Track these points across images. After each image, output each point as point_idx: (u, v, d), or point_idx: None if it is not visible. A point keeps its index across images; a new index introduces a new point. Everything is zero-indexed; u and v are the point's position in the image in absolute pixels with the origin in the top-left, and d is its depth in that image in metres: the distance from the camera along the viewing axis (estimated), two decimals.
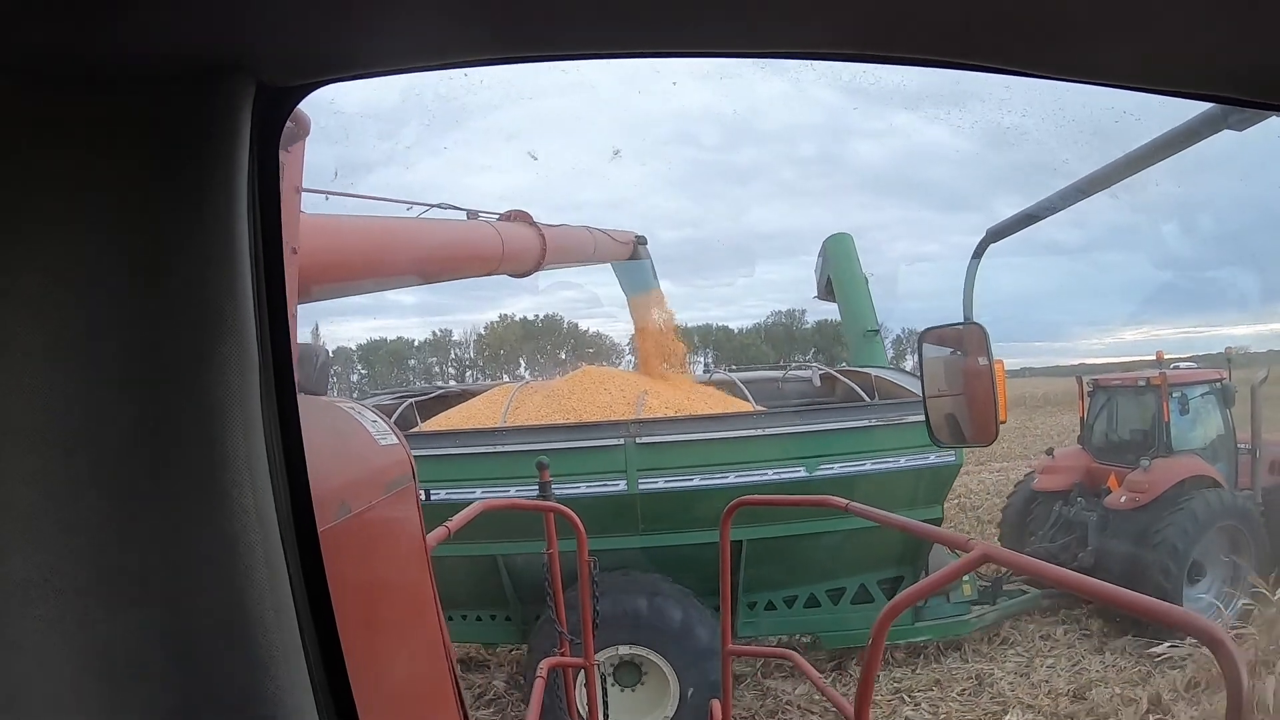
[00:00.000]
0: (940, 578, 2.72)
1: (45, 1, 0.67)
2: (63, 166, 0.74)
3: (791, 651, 4.18)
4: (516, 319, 27.79)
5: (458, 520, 2.94)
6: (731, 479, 5.66)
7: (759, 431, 5.83)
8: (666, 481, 5.70)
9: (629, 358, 22.87)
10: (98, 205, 0.75)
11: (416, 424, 6.81)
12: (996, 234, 3.62)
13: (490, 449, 5.76)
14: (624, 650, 5.79)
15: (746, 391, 6.93)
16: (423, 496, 5.04)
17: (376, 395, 7.92)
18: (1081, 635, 6.88)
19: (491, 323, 28.18)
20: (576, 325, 28.60)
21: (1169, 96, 0.93)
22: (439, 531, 2.65)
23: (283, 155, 2.59)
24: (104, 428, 0.75)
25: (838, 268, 7.06)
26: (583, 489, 5.73)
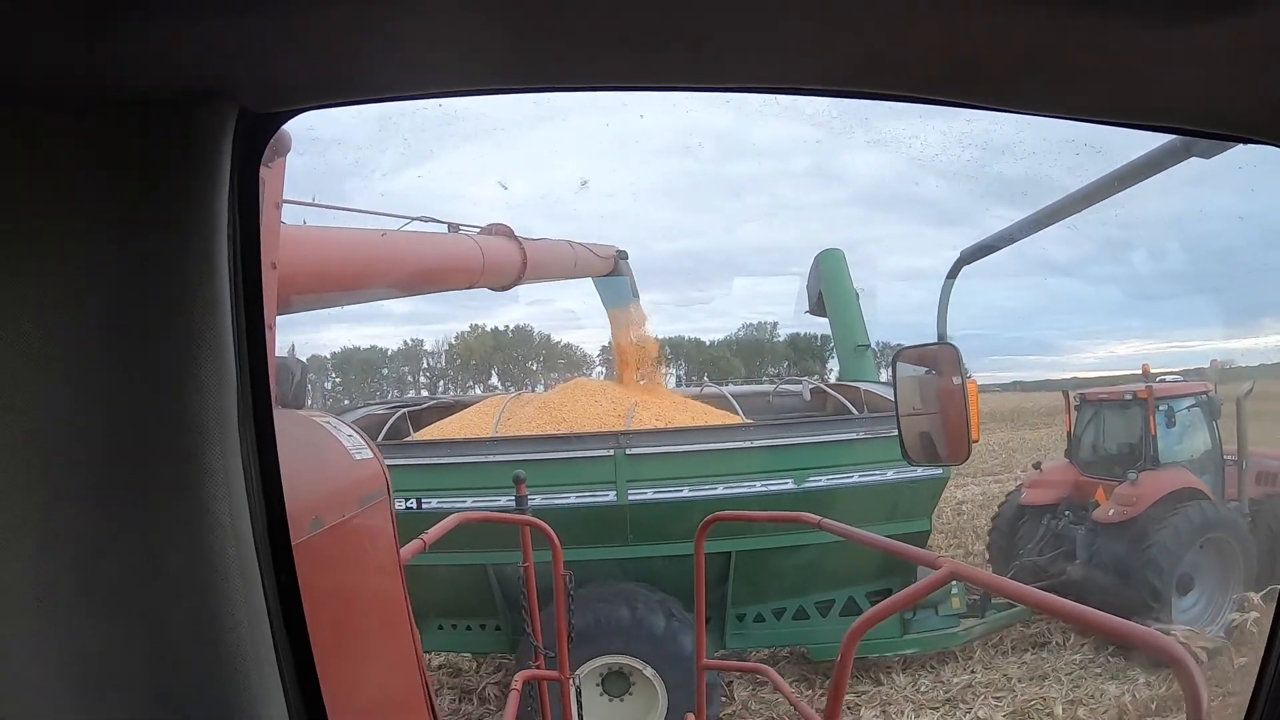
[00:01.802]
0: (907, 595, 2.77)
1: (36, 27, 0.69)
2: (47, 186, 0.76)
3: (765, 666, 4.22)
4: (487, 329, 27.59)
5: (434, 532, 2.97)
6: (720, 490, 5.70)
7: (748, 443, 5.87)
8: (656, 492, 5.73)
9: (599, 369, 22.74)
10: (80, 225, 0.77)
11: (409, 434, 6.83)
12: (970, 256, 3.68)
13: (482, 459, 5.78)
14: (612, 660, 5.81)
15: (736, 405, 6.97)
16: (414, 505, 5.05)
17: (369, 405, 7.94)
18: (1063, 649, 6.89)
19: (462, 333, 28.02)
20: (548, 336, 28.41)
21: (1139, 130, 0.98)
22: (415, 544, 2.67)
23: (264, 172, 2.63)
24: (86, 442, 0.77)
25: (829, 283, 7.12)
26: (573, 499, 5.76)
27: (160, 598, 0.79)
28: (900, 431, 2.81)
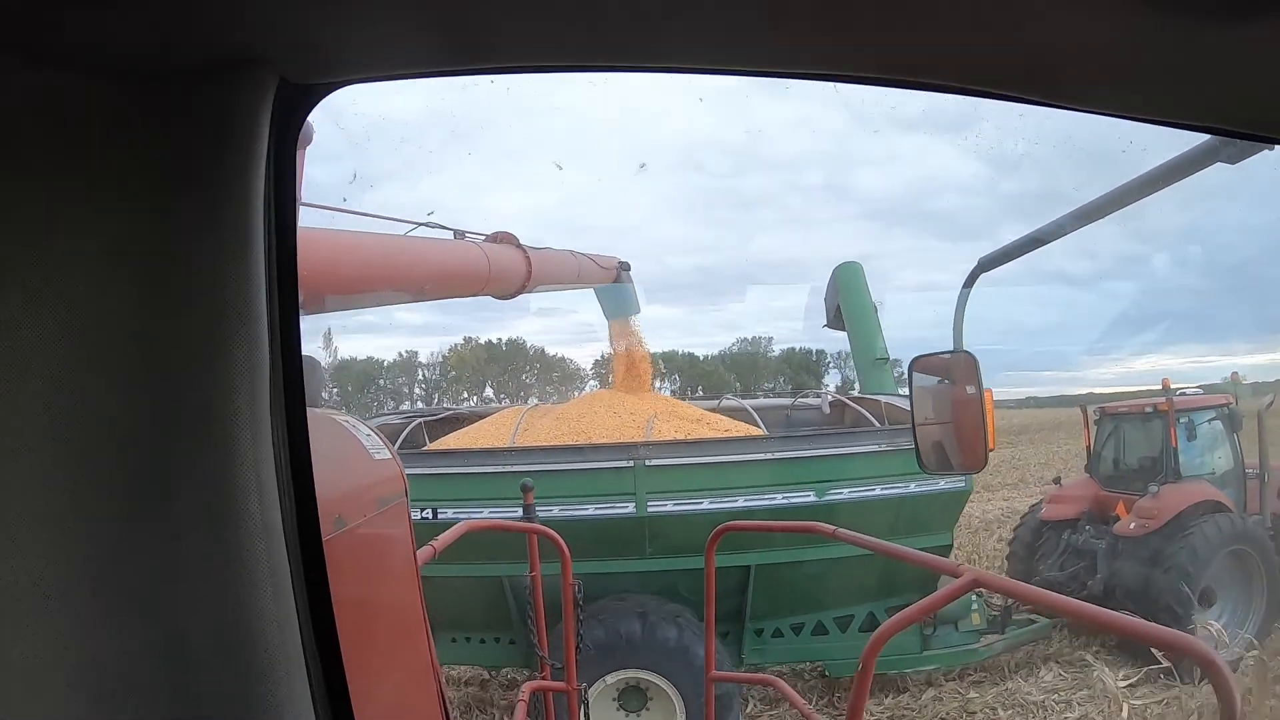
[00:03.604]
0: (929, 604, 2.72)
1: None
2: (81, 156, 0.72)
3: (774, 678, 4.19)
4: (481, 341, 27.28)
5: (443, 540, 2.95)
6: (741, 503, 5.65)
7: (768, 455, 5.82)
8: (675, 504, 5.67)
9: (593, 382, 22.67)
10: (113, 194, 0.73)
11: (425, 444, 6.80)
12: (988, 263, 3.65)
13: (499, 469, 5.75)
14: (629, 675, 5.75)
15: (757, 417, 6.93)
16: (430, 515, 5.03)
17: (383, 415, 7.92)
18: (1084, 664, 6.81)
19: (456, 345, 27.63)
20: (542, 349, 28.22)
21: (1167, 127, 0.96)
22: (425, 551, 2.65)
23: None
24: (109, 427, 0.73)
25: (847, 296, 7.10)
26: (591, 511, 5.72)
27: (183, 596, 0.74)
28: (915, 440, 2.79)
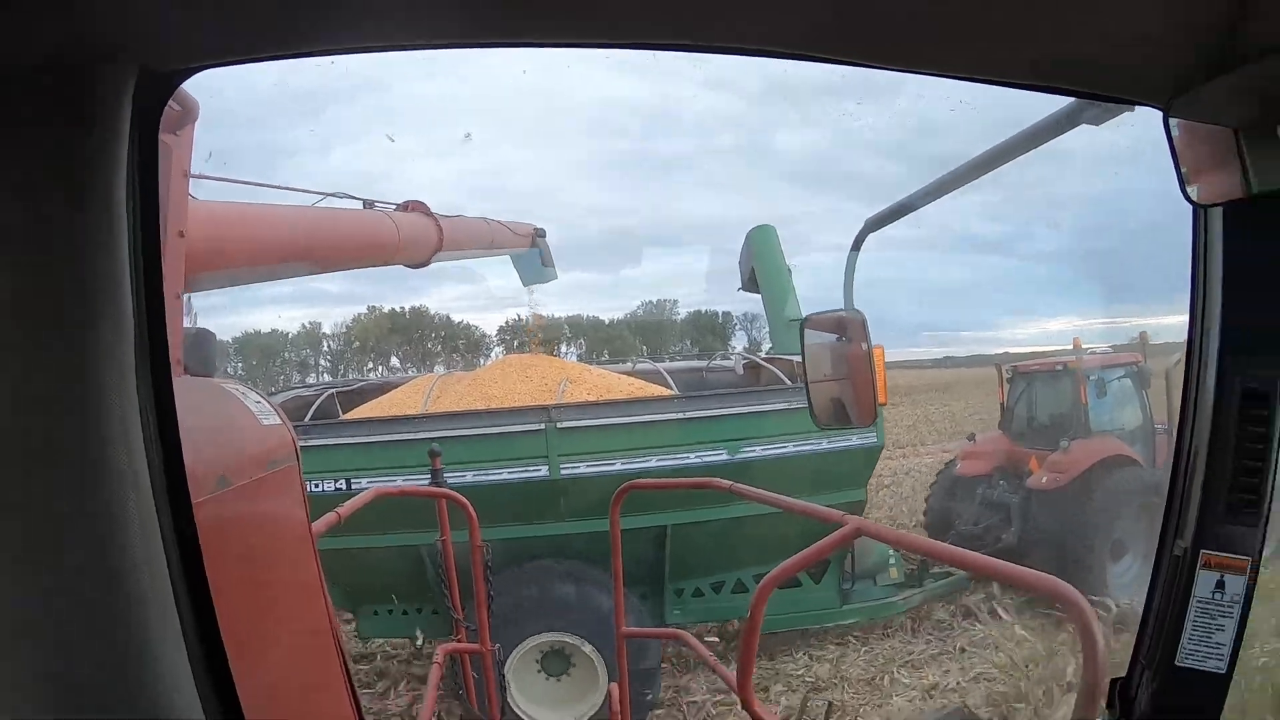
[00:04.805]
0: (814, 551, 2.78)
1: None
2: None
3: (682, 632, 4.33)
4: (384, 310, 26.48)
5: (349, 506, 3.01)
6: (654, 463, 5.67)
7: (680, 415, 5.84)
8: (589, 466, 5.66)
9: (498, 349, 22.68)
10: None
11: (338, 415, 6.70)
12: (874, 224, 3.69)
13: (411, 436, 5.68)
14: (549, 638, 5.74)
15: (670, 379, 6.95)
16: (344, 486, 5.00)
17: (295, 389, 7.77)
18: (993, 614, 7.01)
19: (359, 315, 26.88)
20: (447, 316, 27.54)
21: (1040, 91, 1.02)
22: (329, 517, 2.69)
23: (172, 139, 2.55)
24: None
25: (761, 259, 7.13)
26: (505, 475, 5.69)
27: (61, 547, 0.80)
28: (809, 396, 2.82)
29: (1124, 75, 0.99)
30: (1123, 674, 1.27)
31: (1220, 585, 1.14)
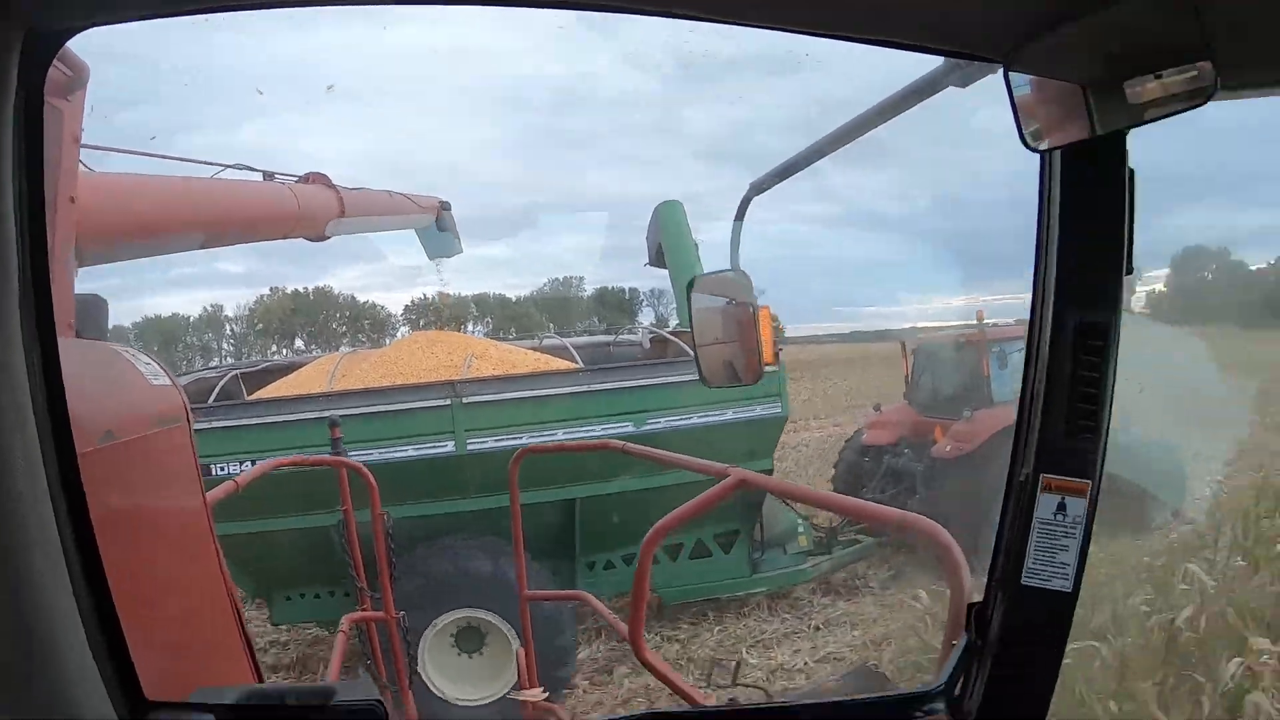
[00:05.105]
0: (700, 502, 2.87)
1: None
2: None
3: (585, 594, 4.41)
4: (288, 291, 25.61)
5: (246, 476, 3.05)
6: (560, 436, 5.71)
7: (585, 388, 5.90)
8: (495, 441, 5.68)
9: (404, 329, 22.34)
10: None
11: (242, 396, 6.57)
12: (758, 188, 3.78)
13: (315, 414, 5.63)
14: (461, 614, 5.75)
15: (575, 354, 7.00)
16: (249, 466, 4.92)
17: (198, 371, 7.59)
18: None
19: (262, 296, 25.95)
20: (352, 296, 26.76)
21: (904, 50, 1.04)
22: (227, 485, 2.71)
23: (62, 104, 2.47)
24: None
25: (668, 234, 7.21)
26: (411, 452, 5.67)
27: None
28: (697, 357, 2.89)
29: (963, 28, 1.02)
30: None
31: (1061, 507, 1.18)
